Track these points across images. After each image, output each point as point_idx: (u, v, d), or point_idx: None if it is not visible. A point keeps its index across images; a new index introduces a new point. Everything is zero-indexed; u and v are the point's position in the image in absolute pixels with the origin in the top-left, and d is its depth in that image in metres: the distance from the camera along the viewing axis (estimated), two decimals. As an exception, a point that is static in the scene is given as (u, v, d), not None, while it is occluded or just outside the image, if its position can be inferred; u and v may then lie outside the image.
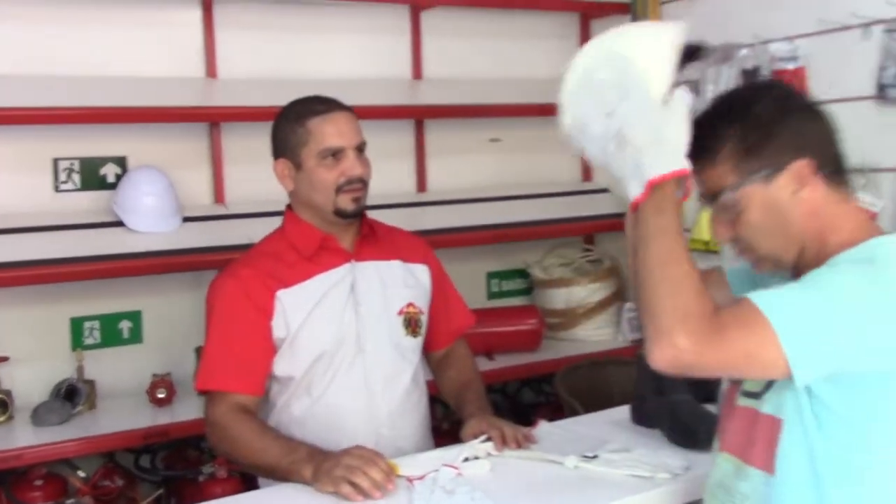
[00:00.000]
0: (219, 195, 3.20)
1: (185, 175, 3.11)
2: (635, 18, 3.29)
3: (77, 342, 2.96)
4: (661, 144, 1.33)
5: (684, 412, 1.89)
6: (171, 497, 2.90)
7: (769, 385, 1.39)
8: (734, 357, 1.28)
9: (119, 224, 2.89)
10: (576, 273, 3.59)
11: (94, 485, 2.69)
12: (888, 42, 2.51)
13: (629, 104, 1.36)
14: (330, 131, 1.99)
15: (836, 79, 2.55)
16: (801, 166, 1.35)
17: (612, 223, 3.58)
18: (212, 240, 2.96)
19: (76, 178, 2.97)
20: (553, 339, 3.49)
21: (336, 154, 1.99)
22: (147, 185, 2.93)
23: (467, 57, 3.62)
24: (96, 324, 3.01)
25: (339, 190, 1.99)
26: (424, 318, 2.15)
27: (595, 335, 3.48)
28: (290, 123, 2.04)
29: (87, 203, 2.98)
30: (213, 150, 3.19)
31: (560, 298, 3.52)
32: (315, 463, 1.75)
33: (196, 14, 3.14)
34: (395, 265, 2.13)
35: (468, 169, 3.66)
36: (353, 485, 1.66)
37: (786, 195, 1.37)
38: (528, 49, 3.76)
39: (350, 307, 2.03)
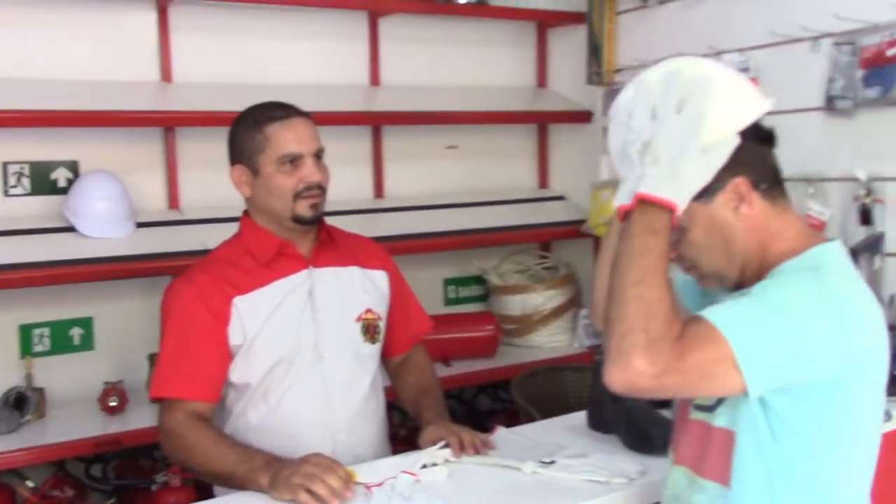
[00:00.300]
0: (173, 200, 3.16)
1: (139, 180, 3.07)
2: (591, 28, 3.33)
3: (26, 349, 2.91)
4: (676, 175, 1.33)
5: (640, 418, 1.91)
6: (123, 507, 2.86)
7: (721, 399, 1.41)
8: (691, 380, 1.30)
9: (70, 229, 2.84)
10: (532, 280, 3.62)
11: (44, 495, 2.64)
12: (836, 55, 2.57)
13: (677, 120, 1.35)
14: (288, 137, 1.98)
15: (786, 90, 2.59)
16: (738, 183, 1.39)
17: (569, 230, 3.61)
18: (165, 246, 2.92)
19: (26, 182, 2.92)
20: (509, 346, 3.50)
21: (294, 161, 1.97)
22: (99, 190, 2.88)
23: (425, 64, 3.63)
24: (46, 331, 2.96)
25: (297, 196, 1.97)
26: (383, 325, 2.14)
27: (551, 341, 3.51)
28: (247, 129, 2.02)
29: (37, 208, 2.92)
30: (167, 154, 3.15)
31: (516, 305, 3.54)
32: (272, 471, 1.74)
33: (151, 17, 3.10)
34: (354, 271, 2.12)
35: (425, 175, 3.66)
36: (311, 492, 1.66)
37: (726, 213, 1.40)
38: (485, 57, 3.78)
39: (308, 314, 2.02)
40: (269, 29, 3.31)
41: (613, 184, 3.30)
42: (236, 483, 1.81)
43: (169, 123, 3.10)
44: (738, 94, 1.39)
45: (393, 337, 2.20)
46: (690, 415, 1.49)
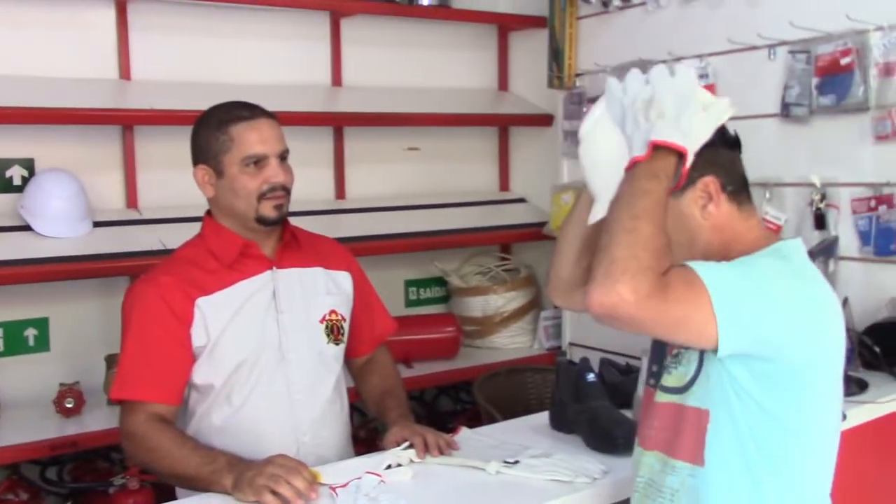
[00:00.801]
0: (131, 200, 3.12)
1: (97, 179, 3.03)
2: (552, 32, 3.36)
3: (-21, 350, 2.86)
4: (681, 126, 1.41)
5: (603, 417, 1.93)
6: (80, 510, 2.82)
7: (693, 379, 1.45)
8: (668, 319, 1.34)
9: (26, 228, 2.80)
10: (492, 281, 3.64)
11: (-3, 498, 2.60)
12: (791, 63, 2.62)
13: (673, 82, 1.43)
14: (253, 138, 1.96)
15: (743, 96, 2.65)
16: (708, 182, 1.46)
17: (529, 233, 3.64)
18: (123, 245, 2.89)
19: (-20, 180, 2.87)
20: (470, 347, 3.52)
21: (259, 162, 1.96)
22: (56, 189, 2.84)
23: (387, 65, 3.63)
24: (0, 331, 2.90)
25: (261, 197, 1.96)
26: (346, 326, 2.14)
27: (512, 343, 3.53)
28: (211, 129, 1.99)
29: (-9, 206, 2.88)
30: (125, 153, 3.11)
31: (477, 306, 3.56)
32: (236, 472, 1.72)
33: (110, 14, 3.07)
34: (317, 272, 2.11)
35: (387, 177, 3.66)
36: (276, 494, 1.65)
37: (694, 209, 1.47)
38: (447, 59, 3.79)
39: (271, 315, 2.01)
40: (230, 28, 3.29)
41: (574, 186, 3.33)
42: (200, 485, 1.80)
43: (127, 122, 3.07)
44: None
45: (357, 338, 2.19)
46: (658, 398, 1.51)
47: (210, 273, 1.99)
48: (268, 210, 1.97)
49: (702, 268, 1.36)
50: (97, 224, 2.93)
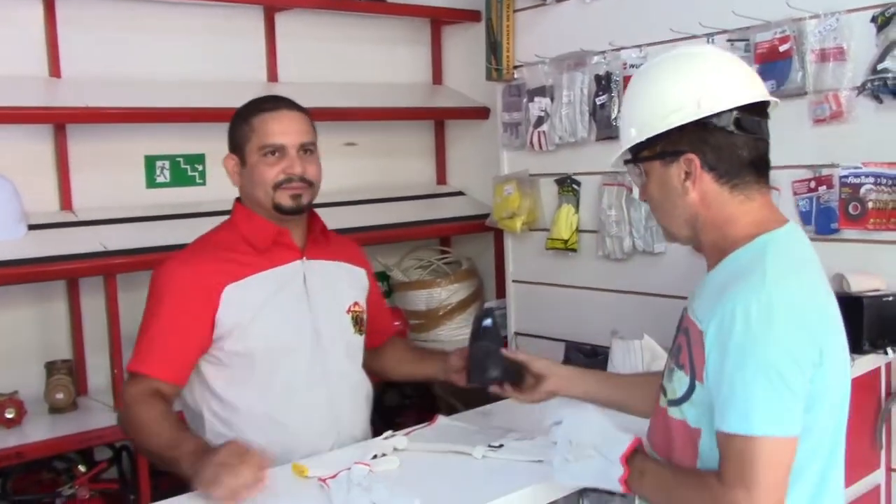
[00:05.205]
0: (66, 202, 3.02)
1: (30, 180, 2.92)
2: (489, 25, 3.38)
3: None
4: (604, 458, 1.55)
5: (481, 352, 1.98)
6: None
7: (684, 398, 1.48)
8: (775, 485, 1.37)
9: (-43, 232, 2.68)
10: (434, 275, 3.64)
11: (-62, 517, 2.47)
12: (731, 51, 2.70)
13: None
14: (272, 129, 2.01)
15: (684, 85, 2.72)
16: (690, 159, 1.51)
17: (469, 225, 3.66)
18: (59, 248, 2.79)
19: None
20: (416, 341, 3.51)
21: (277, 151, 2.01)
22: (-12, 191, 2.72)
23: (322, 61, 3.60)
24: (-69, 341, 2.78)
25: (277, 187, 2.02)
26: (366, 318, 2.22)
27: (458, 334, 3.54)
28: (239, 120, 2.07)
29: (-81, 210, 2.73)
30: (58, 153, 3.01)
31: (421, 300, 3.56)
32: (194, 459, 1.70)
33: (38, 10, 2.96)
34: (341, 266, 2.20)
35: (325, 173, 3.59)
36: (223, 485, 1.61)
37: (676, 181, 1.53)
38: (382, 53, 3.78)
39: (303, 303, 2.06)
40: (163, 24, 3.22)
41: (514, 178, 3.37)
42: (165, 464, 1.81)
43: (59, 119, 2.97)
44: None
45: (372, 330, 2.27)
46: (660, 402, 1.56)
47: (242, 258, 2.03)
48: (284, 199, 2.02)
49: (730, 422, 1.38)
50: (32, 227, 2.82)
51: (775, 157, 2.60)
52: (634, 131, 1.56)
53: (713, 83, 1.51)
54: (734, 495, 1.36)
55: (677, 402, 1.49)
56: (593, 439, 1.57)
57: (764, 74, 2.58)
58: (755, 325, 1.37)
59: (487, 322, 2.07)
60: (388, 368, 2.39)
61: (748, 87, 1.54)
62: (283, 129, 2.02)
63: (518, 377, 1.92)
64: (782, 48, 2.55)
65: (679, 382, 1.49)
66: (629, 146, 1.58)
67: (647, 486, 1.52)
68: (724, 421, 1.38)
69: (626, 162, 1.63)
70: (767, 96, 1.57)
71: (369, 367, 2.30)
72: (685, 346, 1.50)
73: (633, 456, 1.53)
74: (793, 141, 2.59)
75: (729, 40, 2.71)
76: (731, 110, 1.49)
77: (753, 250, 1.48)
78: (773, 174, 2.59)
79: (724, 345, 1.39)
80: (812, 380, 1.39)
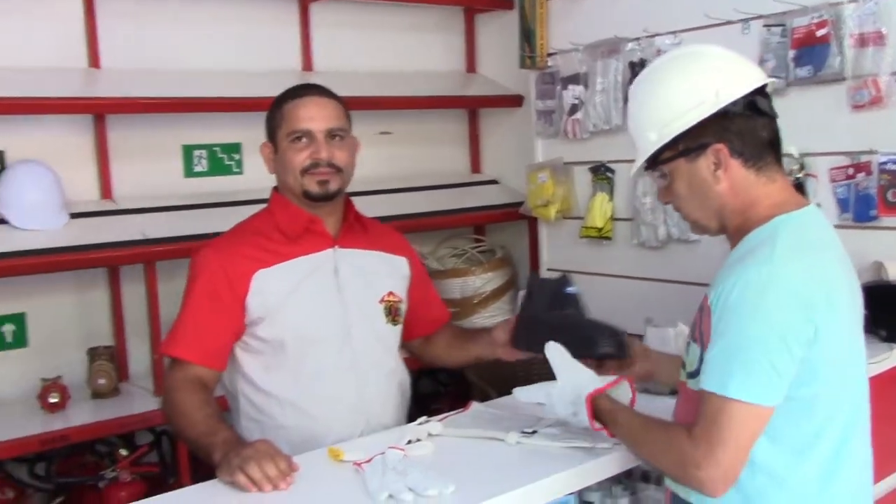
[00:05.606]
0: (106, 190, 3.07)
1: (70, 170, 2.97)
2: (523, 13, 3.37)
3: (-44, 348, 2.79)
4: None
5: (585, 323, 1.96)
6: (72, 506, 2.77)
7: (698, 370, 1.50)
8: (736, 448, 1.42)
9: (0, 221, 2.73)
10: (469, 263, 3.65)
11: (-16, 498, 2.54)
12: (766, 36, 2.68)
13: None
14: (300, 115, 2.04)
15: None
16: (718, 149, 1.54)
17: (502, 213, 3.67)
18: (100, 237, 2.84)
19: (-50, 173, 2.79)
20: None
21: (304, 137, 2.03)
22: (30, 181, 2.78)
23: (357, 49, 3.62)
24: (-24, 328, 2.84)
25: (304, 172, 2.04)
26: (404, 307, 2.20)
27: (491, 322, 3.50)
28: (273, 107, 2.10)
29: (-37, 199, 2.79)
30: (98, 143, 3.06)
31: (455, 288, 3.56)
32: (224, 450, 1.71)
33: (77, 2, 3.00)
34: (377, 255, 2.19)
35: (360, 161, 3.61)
36: (248, 476, 1.62)
37: (706, 173, 1.56)
38: (415, 42, 3.79)
39: (333, 292, 2.07)
40: (200, 15, 3.25)
41: (548, 166, 3.37)
42: (200, 452, 1.83)
43: (99, 110, 3.01)
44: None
45: (417, 319, 2.27)
46: (681, 376, 1.59)
47: (274, 245, 2.05)
48: (312, 185, 2.04)
49: (712, 381, 1.44)
50: (73, 215, 2.87)
51: (812, 144, 2.61)
52: (654, 135, 1.57)
53: (725, 73, 1.55)
54: (697, 450, 1.42)
55: (694, 375, 1.53)
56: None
57: (801, 60, 2.58)
58: (749, 296, 1.42)
59: (572, 289, 2.02)
60: (441, 356, 2.38)
61: (754, 71, 1.59)
62: (310, 115, 2.05)
63: (626, 354, 1.92)
64: (819, 33, 2.53)
65: (693, 355, 1.54)
66: (653, 151, 1.58)
67: (620, 425, 1.62)
68: (705, 379, 1.45)
69: (647, 168, 1.63)
70: (767, 77, 1.60)
71: (423, 356, 2.34)
72: (698, 321, 1.54)
73: (599, 397, 1.66)
74: (830, 127, 2.58)
75: (765, 25, 2.69)
76: (744, 96, 1.52)
77: (768, 230, 1.51)
78: (809, 161, 2.61)
79: (721, 310, 1.45)
80: (806, 358, 1.42)
